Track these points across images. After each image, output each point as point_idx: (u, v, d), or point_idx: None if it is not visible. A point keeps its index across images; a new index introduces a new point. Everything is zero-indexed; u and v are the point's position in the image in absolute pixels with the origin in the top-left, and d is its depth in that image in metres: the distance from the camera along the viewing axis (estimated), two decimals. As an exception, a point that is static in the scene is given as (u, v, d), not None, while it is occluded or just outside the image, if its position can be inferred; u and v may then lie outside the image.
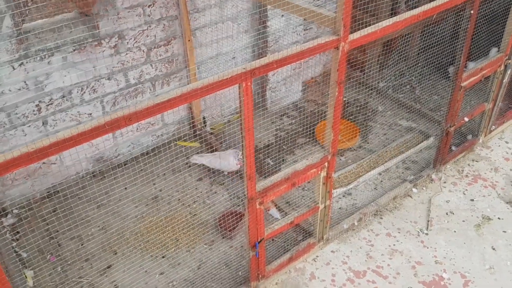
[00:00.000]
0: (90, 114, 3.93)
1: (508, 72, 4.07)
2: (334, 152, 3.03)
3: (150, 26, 3.88)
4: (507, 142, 4.55)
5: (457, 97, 3.71)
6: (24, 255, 3.51)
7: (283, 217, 3.28)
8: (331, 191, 3.22)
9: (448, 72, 5.43)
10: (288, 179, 2.88)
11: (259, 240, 2.96)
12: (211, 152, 4.28)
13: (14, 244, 3.58)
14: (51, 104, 3.67)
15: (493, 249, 3.50)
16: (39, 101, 3.60)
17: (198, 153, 4.27)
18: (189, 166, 4.30)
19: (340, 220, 3.69)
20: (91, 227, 3.72)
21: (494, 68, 3.95)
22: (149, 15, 3.83)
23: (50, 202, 3.91)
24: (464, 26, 3.40)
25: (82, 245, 3.59)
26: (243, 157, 2.57)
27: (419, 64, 5.69)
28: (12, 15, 3.21)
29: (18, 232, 3.66)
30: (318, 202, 3.23)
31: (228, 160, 3.90)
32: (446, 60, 5.09)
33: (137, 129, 4.30)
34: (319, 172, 3.05)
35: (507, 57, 3.96)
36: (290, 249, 3.40)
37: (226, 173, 4.12)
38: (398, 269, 3.38)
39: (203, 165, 4.14)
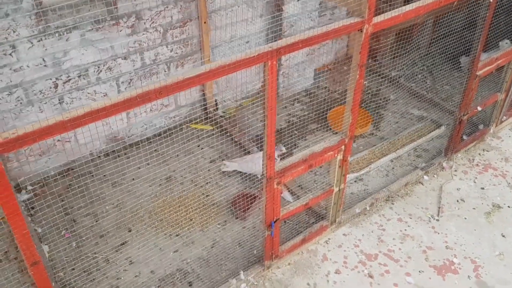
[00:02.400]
0: (106, 94, 3.95)
1: (522, 62, 4.08)
2: (351, 136, 3.06)
3: (167, 7, 3.89)
4: (517, 133, 4.59)
5: (472, 86, 3.73)
6: (39, 230, 3.54)
7: (295, 200, 3.32)
8: (346, 175, 3.26)
9: (459, 62, 5.44)
10: (306, 160, 2.91)
11: (274, 219, 3.00)
12: (228, 136, 4.31)
13: (29, 219, 3.62)
14: (68, 81, 3.69)
15: (503, 236, 3.55)
16: (56, 78, 3.62)
17: (224, 159, 4.07)
18: (202, 149, 4.33)
19: (352, 204, 3.73)
20: (106, 205, 3.75)
21: (508, 58, 3.96)
22: (166, -4, 3.84)
23: (65, 178, 3.95)
24: (483, 14, 3.41)
25: (96, 221, 3.63)
26: (264, 136, 2.60)
27: (431, 54, 5.70)
28: (33, -10, 3.22)
29: (33, 208, 3.70)
30: (333, 185, 3.26)
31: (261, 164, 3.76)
32: (459, 50, 5.10)
33: (151, 110, 4.33)
34: (336, 155, 3.08)
35: (522, 47, 3.97)
36: (302, 231, 3.44)
37: (259, 176, 3.94)
38: (409, 253, 3.42)
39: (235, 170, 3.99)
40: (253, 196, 3.71)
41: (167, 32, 4.00)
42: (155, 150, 4.31)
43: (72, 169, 4.07)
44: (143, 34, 3.87)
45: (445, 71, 5.50)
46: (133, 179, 3.97)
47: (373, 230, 3.60)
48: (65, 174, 4.03)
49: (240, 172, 4.00)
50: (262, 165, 2.73)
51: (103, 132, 4.11)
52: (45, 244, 3.44)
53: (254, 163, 3.77)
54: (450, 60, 5.56)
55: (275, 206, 2.93)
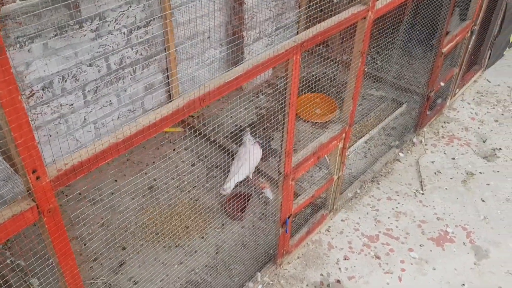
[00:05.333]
0: (72, 104, 3.62)
1: (473, 37, 4.37)
2: (351, 123, 3.09)
3: (130, 6, 3.64)
4: (469, 103, 4.92)
5: (438, 63, 3.93)
6: (22, 263, 3.19)
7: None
8: (345, 161, 3.29)
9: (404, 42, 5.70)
10: (315, 153, 2.89)
11: (288, 216, 2.96)
12: (200, 135, 4.17)
13: (8, 253, 3.25)
14: (32, 96, 3.33)
15: (483, 200, 3.80)
16: (20, 94, 3.24)
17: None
18: (178, 152, 4.14)
19: (342, 190, 3.78)
20: (90, 225, 3.47)
21: (463, 36, 4.22)
22: (129, -6, 3.58)
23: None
24: (448, -5, 3.58)
25: (85, 245, 3.34)
26: (282, 133, 2.53)
27: (374, 35, 5.90)
28: (-11, -3, 2.84)
29: (8, 240, 3.32)
30: (333, 173, 3.28)
31: (254, 154, 3.60)
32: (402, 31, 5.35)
33: (118, 117, 4.05)
34: (338, 143, 3.09)
35: (473, 24, 4.24)
36: (304, 224, 3.43)
37: (250, 176, 3.78)
38: (406, 229, 3.55)
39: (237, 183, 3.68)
40: (246, 195, 3.63)
41: (131, 33, 3.75)
42: (127, 160, 4.06)
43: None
44: (107, 37, 3.59)
45: (390, 50, 5.73)
46: (112, 193, 3.71)
47: (368, 211, 3.69)
48: (33, 198, 3.65)
49: (227, 172, 3.89)
50: (279, 162, 2.67)
51: (72, 148, 3.79)
52: (34, 278, 3.11)
53: (249, 160, 3.65)
54: (392, 39, 5.81)
55: (289, 203, 2.89)
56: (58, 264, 1.63)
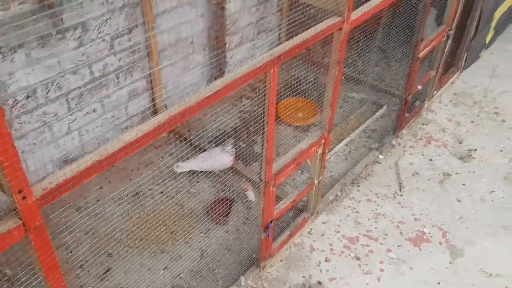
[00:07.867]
0: (56, 114, 3.66)
1: (449, 41, 4.50)
2: (330, 129, 3.18)
3: (113, 15, 3.68)
4: (446, 105, 5.05)
5: (415, 67, 4.04)
6: (9, 272, 3.22)
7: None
8: (325, 166, 3.38)
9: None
10: (295, 159, 2.98)
11: (270, 221, 3.04)
12: (184, 140, 4.23)
13: (-7, 261, 3.28)
14: (15, 105, 3.36)
15: (458, 201, 3.93)
16: (3, 103, 3.28)
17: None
18: (161, 157, 4.20)
19: (324, 192, 3.88)
20: (76, 232, 3.51)
21: (439, 39, 4.34)
22: (111, 3, 3.62)
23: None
24: (423, 2, 3.69)
25: (70, 252, 3.38)
26: (262, 142, 2.61)
27: (354, 38, 6.01)
28: (-29, 10, 2.87)
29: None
30: (314, 178, 3.37)
31: (220, 160, 3.78)
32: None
33: (102, 124, 4.09)
34: (318, 149, 3.18)
35: (449, 28, 4.37)
36: (286, 227, 3.52)
37: (216, 171, 3.96)
38: (385, 231, 3.67)
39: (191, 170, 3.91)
40: (230, 200, 3.71)
41: (114, 41, 3.79)
42: (112, 166, 4.09)
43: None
44: (91, 45, 3.62)
45: (369, 53, 5.84)
46: (98, 200, 3.75)
47: (348, 214, 3.79)
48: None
49: (211, 177, 3.96)
50: (260, 169, 2.75)
51: (56, 155, 3.82)
52: (21, 287, 3.15)
53: (214, 160, 3.77)
54: (372, 42, 5.92)
55: (271, 208, 2.97)
56: (45, 278, 1.69)
